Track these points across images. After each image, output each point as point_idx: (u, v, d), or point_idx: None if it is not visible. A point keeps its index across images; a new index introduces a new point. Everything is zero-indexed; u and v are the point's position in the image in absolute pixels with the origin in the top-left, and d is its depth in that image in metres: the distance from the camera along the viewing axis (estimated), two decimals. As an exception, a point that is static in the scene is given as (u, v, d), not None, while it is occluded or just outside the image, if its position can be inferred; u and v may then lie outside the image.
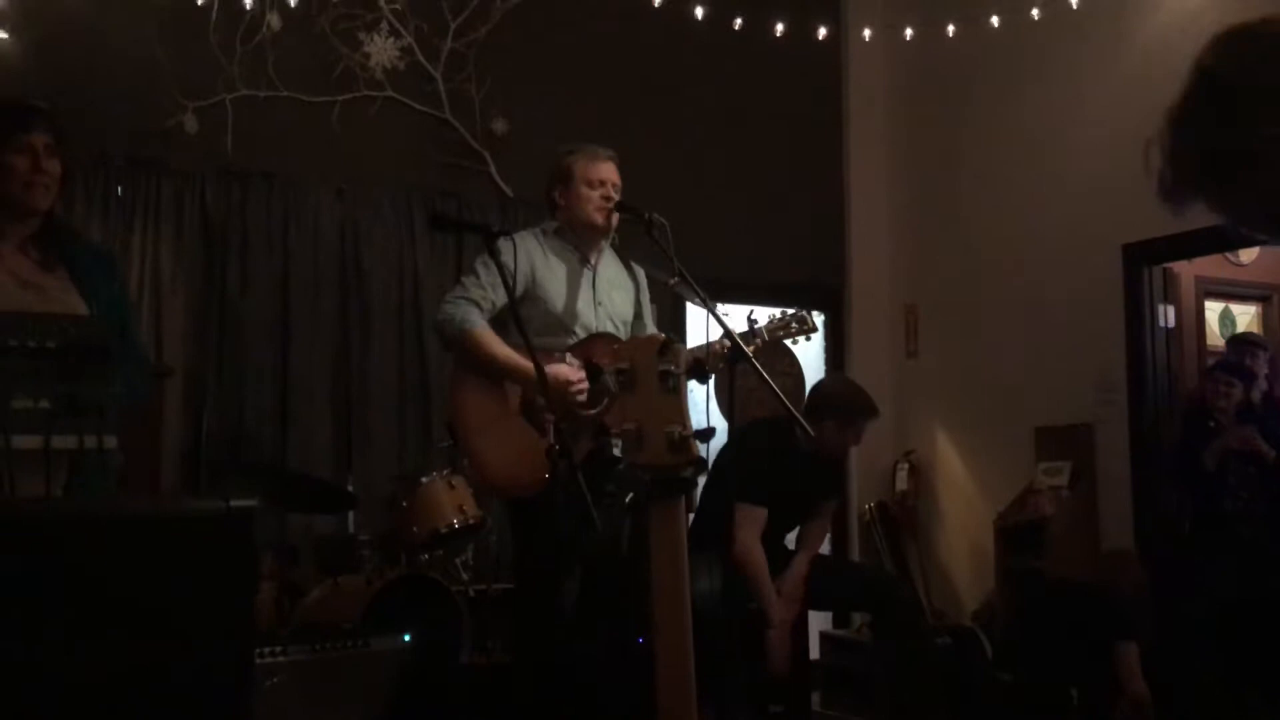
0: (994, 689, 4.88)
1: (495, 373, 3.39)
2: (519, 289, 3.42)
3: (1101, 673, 4.54)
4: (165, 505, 2.35)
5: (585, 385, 3.38)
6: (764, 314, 3.85)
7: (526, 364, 3.22)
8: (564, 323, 3.51)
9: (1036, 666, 4.72)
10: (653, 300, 3.98)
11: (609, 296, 3.64)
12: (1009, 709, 4.76)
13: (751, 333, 3.63)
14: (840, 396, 4.51)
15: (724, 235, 5.90)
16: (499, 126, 5.62)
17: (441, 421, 5.22)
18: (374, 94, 5.44)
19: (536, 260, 3.52)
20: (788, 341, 3.87)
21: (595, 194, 3.56)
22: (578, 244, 3.61)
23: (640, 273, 3.79)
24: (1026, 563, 5.34)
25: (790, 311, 3.75)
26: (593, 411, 3.41)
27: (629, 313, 3.72)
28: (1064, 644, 4.64)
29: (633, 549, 3.28)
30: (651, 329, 3.80)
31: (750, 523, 4.28)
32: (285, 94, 5.26)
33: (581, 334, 3.52)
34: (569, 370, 3.37)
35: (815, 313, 6.49)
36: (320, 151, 5.33)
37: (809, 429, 3.82)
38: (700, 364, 3.34)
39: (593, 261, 3.63)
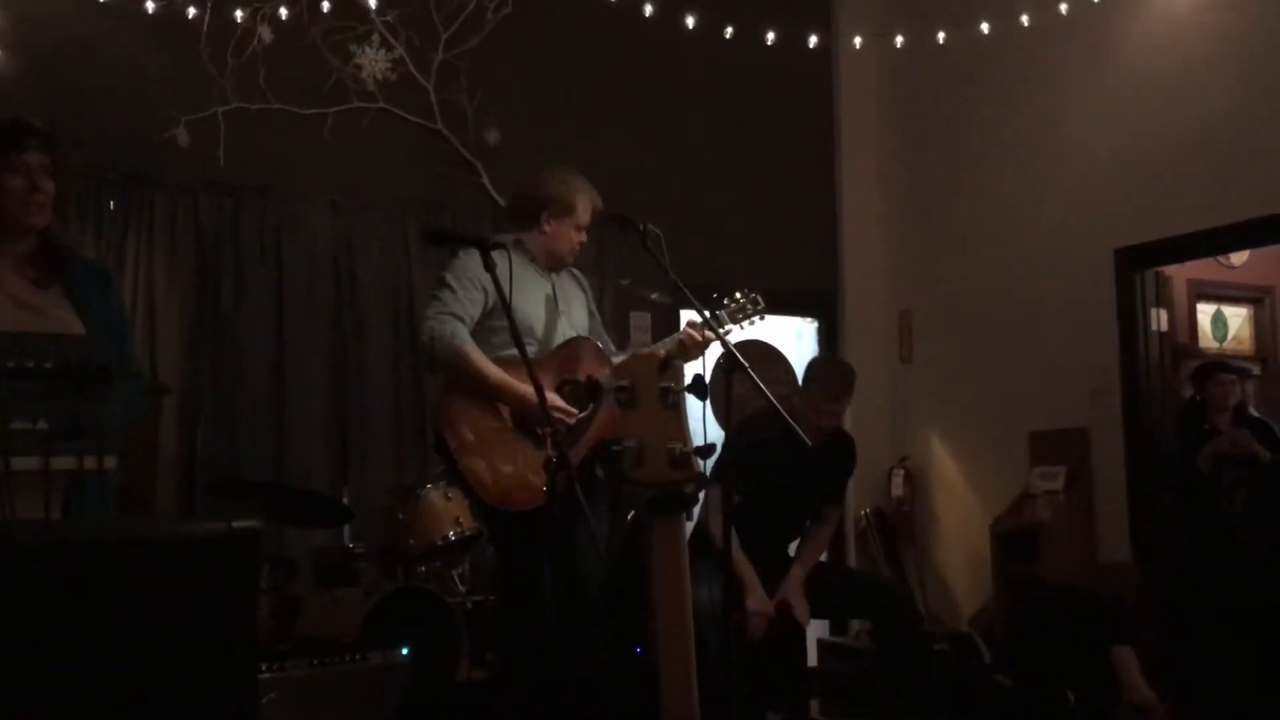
0: (992, 693, 4.89)
1: (485, 391, 3.39)
2: (490, 300, 3.41)
3: (1099, 677, 4.55)
4: (166, 527, 2.34)
5: (573, 415, 3.40)
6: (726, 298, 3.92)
7: (517, 385, 3.27)
8: (535, 331, 3.53)
9: (1034, 671, 4.73)
10: (645, 309, 4.01)
11: (569, 307, 3.68)
12: (1007, 713, 4.77)
13: (715, 319, 3.66)
14: (819, 363, 4.72)
15: (717, 243, 5.91)
16: (491, 137, 5.62)
17: (432, 445, 5.22)
18: (366, 106, 5.44)
19: (513, 272, 3.53)
20: (745, 323, 3.90)
21: (579, 238, 3.64)
22: (542, 263, 3.64)
23: (583, 279, 3.85)
24: (1023, 568, 5.35)
25: (739, 297, 3.80)
26: (580, 415, 3.42)
27: (585, 322, 3.76)
28: (1061, 649, 4.65)
29: (632, 563, 3.28)
30: (602, 333, 3.83)
31: (710, 500, 4.29)
32: (277, 106, 5.25)
33: (548, 345, 3.55)
34: (558, 402, 3.38)
35: (809, 319, 6.63)
36: (313, 164, 5.33)
37: (805, 436, 3.83)
38: (701, 383, 3.36)
39: (553, 275, 3.67)
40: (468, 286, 3.40)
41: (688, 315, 4.28)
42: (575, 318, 3.69)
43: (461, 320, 3.40)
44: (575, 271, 3.80)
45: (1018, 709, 4.70)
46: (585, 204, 3.62)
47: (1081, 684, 4.55)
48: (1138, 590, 4.70)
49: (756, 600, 4.24)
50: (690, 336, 3.58)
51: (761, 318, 3.89)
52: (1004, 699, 4.79)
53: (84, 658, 1.94)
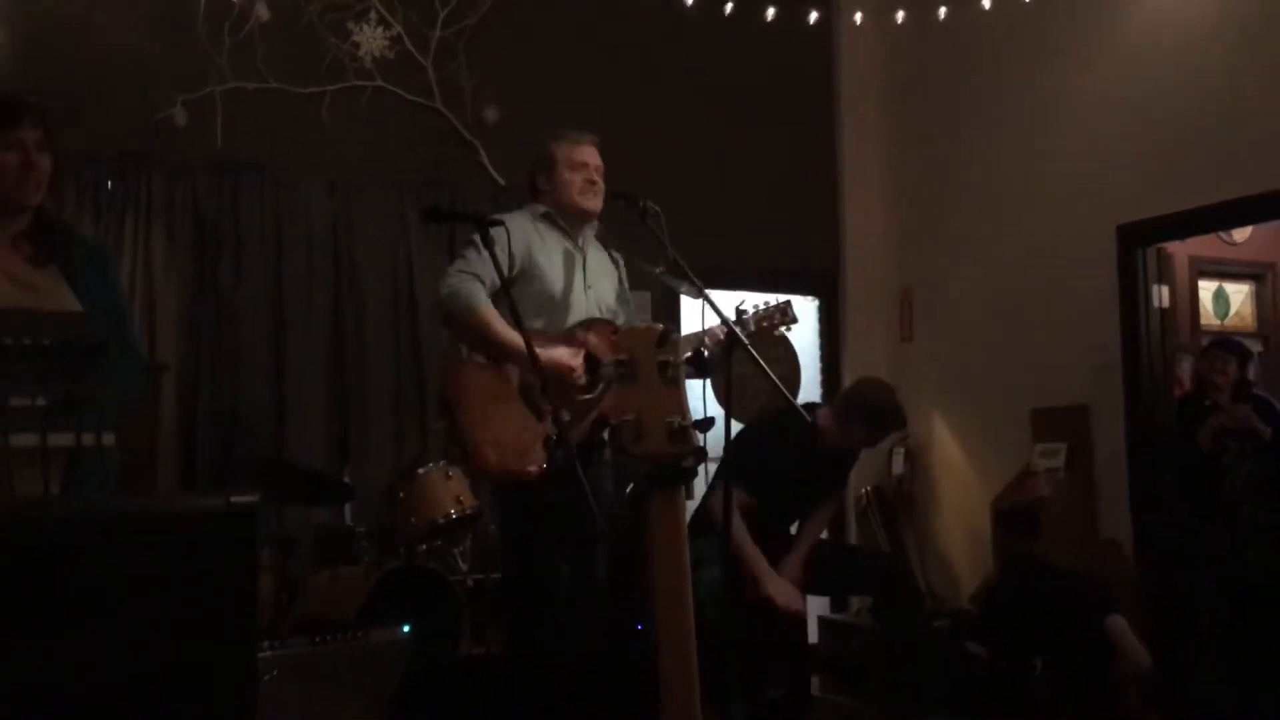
0: (964, 661, 4.94)
1: (497, 354, 3.37)
2: (514, 268, 3.41)
3: (1079, 649, 4.59)
4: (166, 502, 2.34)
5: (582, 371, 3.37)
6: (753, 301, 3.84)
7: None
8: (557, 303, 3.50)
9: (1008, 641, 4.77)
10: (644, 288, 3.97)
11: (597, 281, 3.64)
12: (976, 681, 4.82)
13: (740, 322, 3.61)
14: (876, 402, 4.38)
15: (717, 221, 5.89)
16: (490, 115, 5.60)
17: (435, 402, 5.22)
18: (364, 84, 5.42)
19: (532, 240, 3.51)
20: (774, 333, 3.85)
21: (578, 177, 3.56)
22: (566, 228, 3.60)
23: (619, 259, 3.80)
24: (1021, 544, 5.36)
25: (772, 302, 3.73)
26: (588, 396, 3.40)
27: (613, 299, 3.72)
28: (1038, 620, 4.69)
29: (631, 538, 3.28)
30: (633, 318, 3.80)
31: (727, 500, 4.28)
32: (275, 85, 5.23)
33: (575, 316, 3.52)
34: (568, 355, 3.36)
35: (809, 298, 6.60)
36: (311, 143, 5.31)
37: (804, 413, 3.82)
38: (702, 360, 3.36)
39: (581, 245, 3.63)
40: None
41: (692, 301, 4.26)
42: (602, 294, 3.64)
43: (481, 281, 3.38)
44: (614, 253, 3.77)
45: (986, 678, 4.75)
46: (565, 145, 3.59)
47: (1059, 654, 4.59)
48: (1124, 569, 4.74)
49: (779, 591, 4.24)
50: (714, 336, 3.49)
51: (788, 328, 3.79)
52: (975, 667, 4.84)
53: (83, 633, 1.94)
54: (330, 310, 5.30)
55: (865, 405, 4.34)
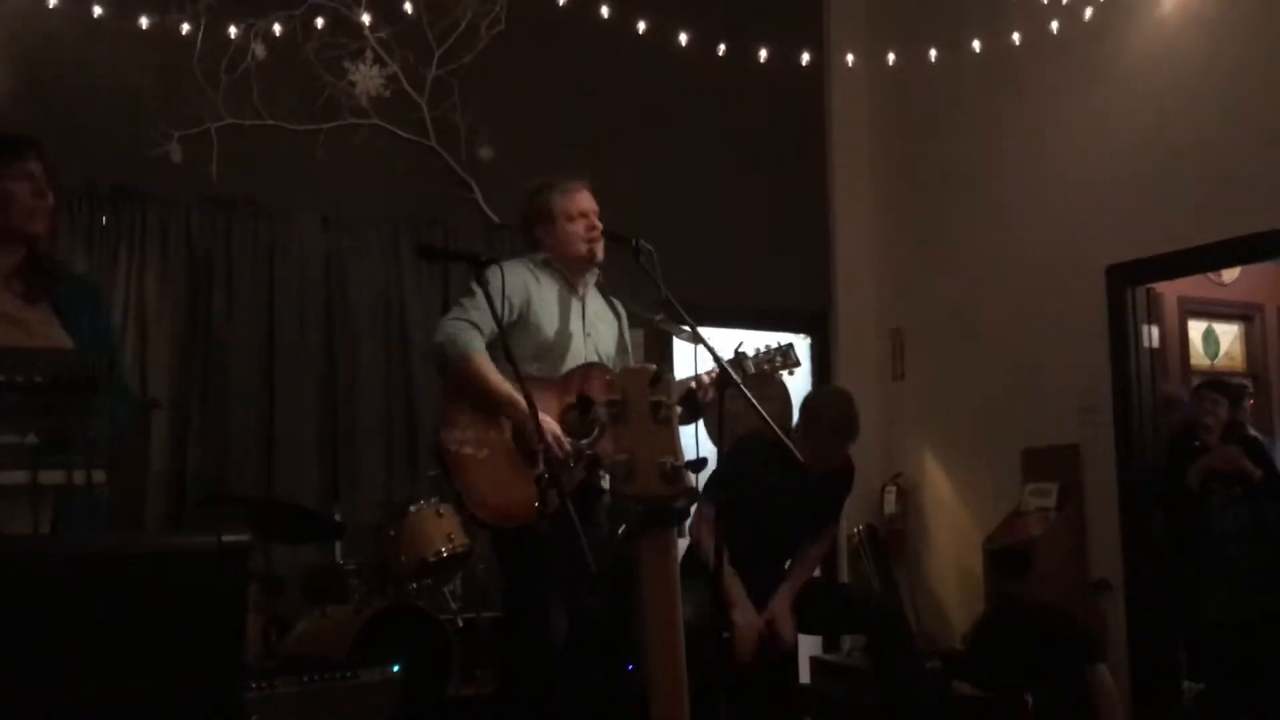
0: (952, 700, 4.92)
1: (490, 403, 3.37)
2: (512, 315, 3.40)
3: (1062, 697, 4.58)
4: (155, 540, 2.33)
5: (567, 449, 3.34)
6: (750, 342, 3.83)
7: (521, 401, 3.17)
8: (555, 350, 3.49)
9: (997, 679, 4.76)
10: (636, 327, 3.96)
11: (596, 329, 3.63)
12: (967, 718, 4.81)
13: (738, 363, 3.61)
14: (813, 405, 4.49)
15: (710, 261, 5.91)
16: (485, 153, 5.63)
17: (428, 450, 5.21)
18: (359, 122, 5.44)
19: (531, 287, 3.50)
20: (777, 376, 3.84)
21: (579, 226, 3.54)
22: (567, 275, 3.61)
23: (621, 308, 3.78)
24: (1011, 584, 5.35)
25: (774, 345, 3.73)
26: (583, 442, 3.39)
27: (613, 347, 3.71)
28: (1025, 663, 4.67)
29: (624, 580, 3.27)
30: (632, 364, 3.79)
31: (701, 515, 4.27)
32: (270, 122, 5.26)
33: (572, 362, 3.51)
34: (556, 431, 3.33)
35: (801, 337, 6.61)
36: (305, 180, 5.33)
37: (798, 454, 3.81)
38: (694, 404, 3.34)
39: (581, 292, 3.62)
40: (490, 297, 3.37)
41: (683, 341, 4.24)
42: (602, 343, 3.63)
43: (478, 329, 3.37)
44: (615, 301, 3.76)
45: (978, 714, 4.73)
46: (559, 196, 3.56)
47: (1043, 697, 4.57)
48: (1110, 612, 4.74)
49: (742, 615, 4.22)
50: (703, 385, 3.48)
51: (790, 372, 3.73)
52: (964, 705, 4.82)
53: (71, 672, 1.92)
54: (322, 346, 5.29)
55: (816, 410, 4.37)
